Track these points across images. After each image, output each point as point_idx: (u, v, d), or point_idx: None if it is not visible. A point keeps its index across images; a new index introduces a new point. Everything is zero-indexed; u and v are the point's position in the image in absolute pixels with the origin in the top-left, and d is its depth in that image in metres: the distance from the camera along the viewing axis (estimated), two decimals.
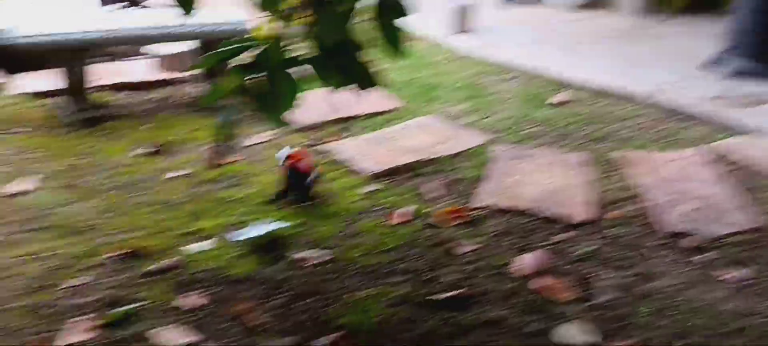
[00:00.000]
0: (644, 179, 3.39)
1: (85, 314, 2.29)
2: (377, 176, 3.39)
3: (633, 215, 3.08)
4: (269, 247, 2.72)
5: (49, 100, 4.26)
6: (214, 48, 4.15)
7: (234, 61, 2.09)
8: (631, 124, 4.22)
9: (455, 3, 6.26)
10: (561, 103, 4.59)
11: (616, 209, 3.13)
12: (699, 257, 2.74)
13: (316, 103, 4.05)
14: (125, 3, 6.17)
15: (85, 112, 3.98)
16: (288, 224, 2.88)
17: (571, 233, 2.92)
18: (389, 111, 4.30)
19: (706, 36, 5.98)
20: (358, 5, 1.95)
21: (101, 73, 4.63)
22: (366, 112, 4.16)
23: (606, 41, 6.21)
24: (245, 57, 2.02)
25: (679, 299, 2.46)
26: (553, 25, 6.74)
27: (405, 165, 3.50)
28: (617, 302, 2.46)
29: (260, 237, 2.76)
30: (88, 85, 3.96)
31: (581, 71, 5.17)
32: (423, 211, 3.08)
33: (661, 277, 2.60)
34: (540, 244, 2.83)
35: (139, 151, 3.58)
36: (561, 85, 4.98)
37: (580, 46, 5.99)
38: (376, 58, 2.07)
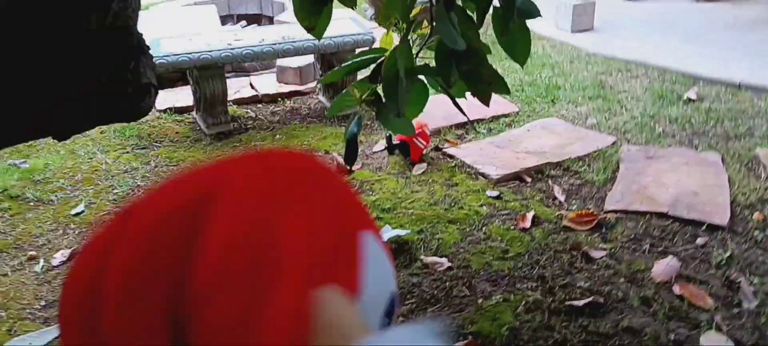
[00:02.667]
0: None
1: None
2: (503, 180, 3.36)
3: None
4: (398, 252, 2.76)
5: (188, 115, 4.52)
6: (331, 60, 4.31)
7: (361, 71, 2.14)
8: None
9: (574, 1, 6.10)
10: (694, 100, 4.36)
11: (760, 211, 2.95)
12: None
13: (437, 107, 4.08)
14: (244, 23, 6.47)
15: (221, 126, 4.20)
16: (417, 228, 2.91)
17: (712, 237, 2.78)
18: (512, 113, 4.25)
19: None
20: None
21: (233, 87, 4.86)
22: (488, 115, 4.13)
23: (739, 32, 5.84)
24: (372, 66, 2.07)
25: None
26: (678, 18, 6.42)
27: (531, 168, 3.44)
28: (766, 309, 2.31)
29: (389, 241, 2.80)
30: (223, 100, 4.16)
31: (714, 65, 4.89)
32: (552, 215, 3.02)
33: None
34: (679, 248, 2.71)
35: None
36: (693, 81, 4.74)
37: (711, 39, 5.67)
38: (497, 62, 2.05)
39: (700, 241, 2.75)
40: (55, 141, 3.61)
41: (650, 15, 6.58)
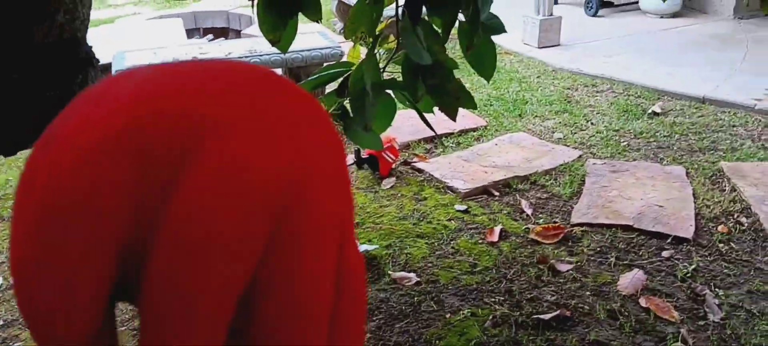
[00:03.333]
0: (753, 191, 3.22)
1: None
2: (471, 194, 3.36)
3: (743, 228, 2.93)
4: (366, 267, 2.74)
5: None
6: (299, 74, 4.29)
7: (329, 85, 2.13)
8: (736, 134, 4.03)
9: (540, 16, 6.16)
10: (659, 114, 4.43)
11: (724, 223, 2.99)
12: None
13: (405, 121, 4.09)
14: (210, 36, 6.42)
15: None
16: (386, 243, 2.90)
17: (677, 249, 2.81)
18: (479, 128, 4.27)
19: None
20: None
21: None
22: (457, 129, 4.14)
23: (702, 48, 5.96)
24: (339, 80, 2.05)
25: None
26: (643, 34, 6.52)
27: (498, 182, 3.45)
28: (731, 321, 2.34)
29: None
30: None
31: (678, 80, 4.97)
32: (520, 228, 3.02)
33: None
34: (645, 261, 2.73)
35: None
36: (657, 95, 4.81)
37: (676, 55, 5.77)
38: (465, 76, 2.05)
39: (665, 254, 2.77)
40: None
41: (616, 31, 6.68)
